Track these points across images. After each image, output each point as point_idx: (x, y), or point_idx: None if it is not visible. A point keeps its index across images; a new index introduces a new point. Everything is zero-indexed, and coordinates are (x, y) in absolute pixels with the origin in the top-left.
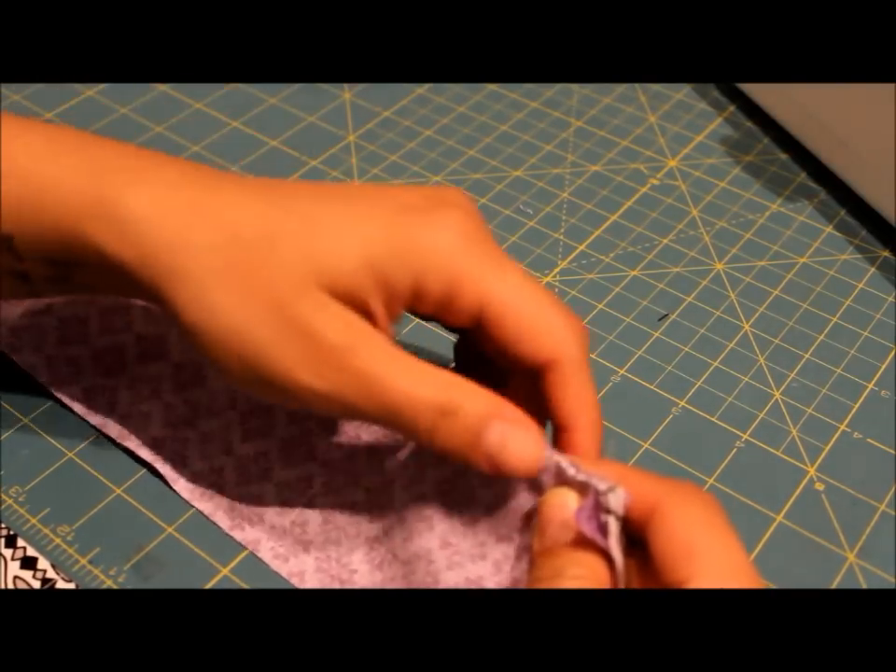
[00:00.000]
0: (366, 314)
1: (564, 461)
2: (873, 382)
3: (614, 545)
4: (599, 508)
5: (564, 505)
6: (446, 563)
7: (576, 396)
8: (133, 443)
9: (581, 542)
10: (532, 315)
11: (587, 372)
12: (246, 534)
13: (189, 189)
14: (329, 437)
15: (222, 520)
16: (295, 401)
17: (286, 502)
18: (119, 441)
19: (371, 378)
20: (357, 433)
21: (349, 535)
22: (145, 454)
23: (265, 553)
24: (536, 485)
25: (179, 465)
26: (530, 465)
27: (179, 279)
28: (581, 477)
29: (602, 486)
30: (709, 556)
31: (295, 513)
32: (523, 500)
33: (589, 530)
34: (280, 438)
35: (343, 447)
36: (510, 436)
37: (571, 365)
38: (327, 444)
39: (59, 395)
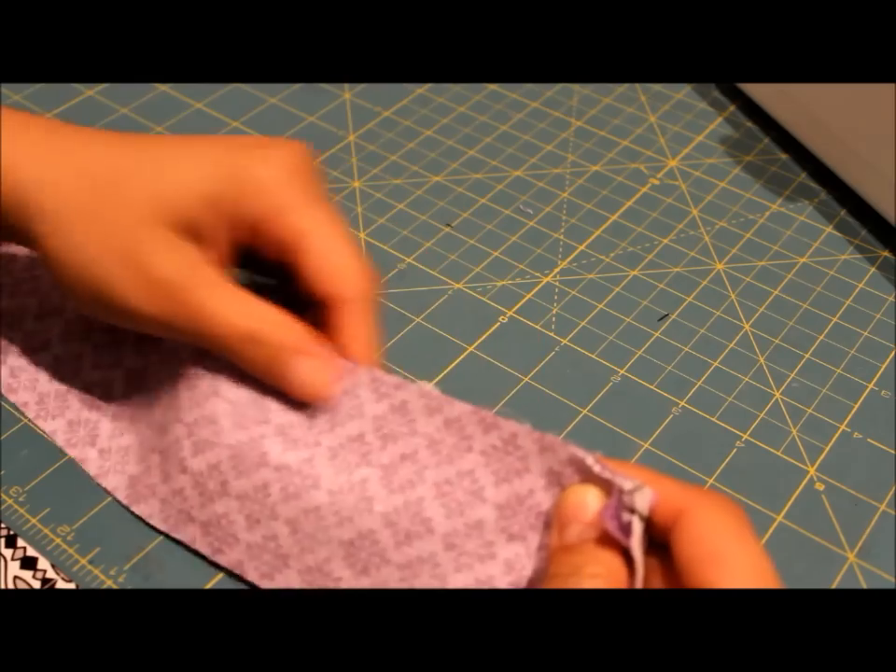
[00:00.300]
0: (204, 242)
1: (589, 459)
2: (873, 382)
3: (636, 545)
4: (622, 507)
5: (585, 502)
6: (454, 565)
7: (358, 329)
8: (110, 484)
9: (601, 540)
10: (335, 254)
11: (370, 312)
12: (229, 557)
13: (53, 138)
14: (282, 441)
15: (202, 546)
16: (136, 326)
17: (250, 515)
18: (96, 479)
19: (197, 307)
20: (317, 439)
21: (320, 541)
22: (122, 496)
23: (252, 574)
24: (555, 483)
25: (151, 497)
26: (323, 394)
27: (41, 214)
28: (606, 475)
29: (628, 485)
30: (734, 562)
31: (262, 527)
32: (539, 498)
33: (612, 528)
34: (227, 445)
35: (299, 450)
36: (308, 367)
37: (358, 303)
38: (280, 448)
39: (42, 427)
